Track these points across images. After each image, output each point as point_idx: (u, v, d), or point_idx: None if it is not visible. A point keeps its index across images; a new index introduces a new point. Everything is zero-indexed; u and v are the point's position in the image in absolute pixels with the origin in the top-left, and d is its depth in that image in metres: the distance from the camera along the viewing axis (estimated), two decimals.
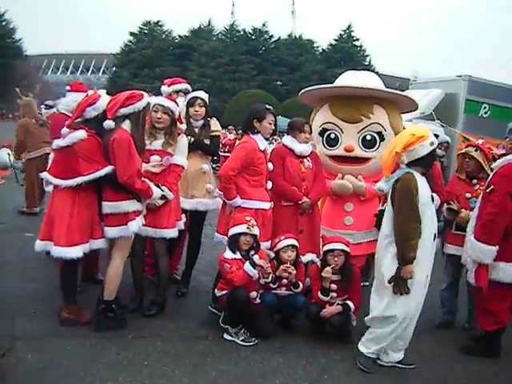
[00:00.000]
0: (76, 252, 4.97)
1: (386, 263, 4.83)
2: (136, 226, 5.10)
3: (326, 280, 5.45)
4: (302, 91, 6.38)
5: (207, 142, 6.32)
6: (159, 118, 5.56)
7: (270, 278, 5.39)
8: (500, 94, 12.30)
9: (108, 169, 4.98)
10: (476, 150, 6.03)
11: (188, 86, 6.92)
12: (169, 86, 6.85)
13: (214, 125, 6.51)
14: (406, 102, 6.16)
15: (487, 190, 5.27)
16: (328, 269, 5.43)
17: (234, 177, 5.56)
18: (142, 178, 5.10)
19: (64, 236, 4.97)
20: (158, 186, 5.38)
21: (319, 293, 5.49)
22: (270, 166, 5.82)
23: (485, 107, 12.18)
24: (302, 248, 5.83)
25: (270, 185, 5.82)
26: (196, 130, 6.29)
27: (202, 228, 6.63)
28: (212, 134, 6.40)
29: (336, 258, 5.46)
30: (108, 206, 5.09)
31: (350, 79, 6.21)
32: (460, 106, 11.98)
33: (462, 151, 6.17)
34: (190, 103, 6.28)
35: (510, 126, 5.50)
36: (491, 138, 8.30)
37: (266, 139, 5.85)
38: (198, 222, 6.50)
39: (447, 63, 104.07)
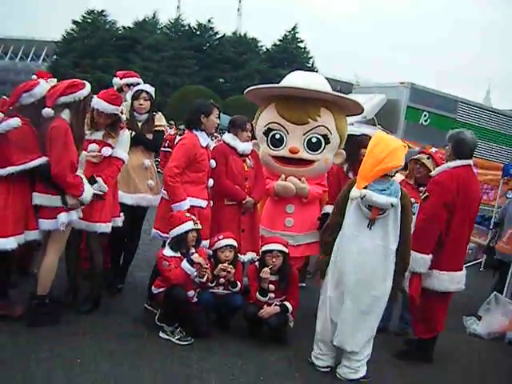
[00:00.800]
0: (10, 243, 4.78)
1: (391, 277, 4.83)
2: (65, 218, 4.88)
3: (265, 280, 5.43)
4: (249, 89, 6.32)
5: (150, 136, 6.21)
6: (102, 122, 5.47)
7: (206, 278, 5.31)
8: (440, 103, 12.61)
9: (41, 160, 4.81)
10: (428, 158, 6.15)
11: (140, 81, 6.74)
12: (121, 78, 6.70)
13: (159, 119, 6.41)
14: (352, 105, 6.18)
15: (422, 197, 5.37)
16: (266, 269, 5.41)
17: (179, 175, 5.47)
18: (78, 173, 4.95)
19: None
20: (93, 178, 5.23)
21: (257, 293, 5.47)
22: (213, 162, 5.77)
23: (425, 115, 12.46)
24: (244, 247, 5.83)
25: (211, 182, 5.77)
26: (139, 124, 6.17)
27: (141, 224, 6.53)
28: (156, 128, 6.29)
29: (274, 259, 5.45)
30: (37, 197, 4.90)
31: (298, 80, 6.19)
32: (401, 112, 12.20)
33: (415, 157, 6.25)
34: (135, 96, 6.17)
35: (449, 134, 5.58)
36: (430, 145, 8.44)
37: (209, 135, 5.80)
38: (138, 218, 6.38)
39: (388, 69, 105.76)
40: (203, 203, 5.67)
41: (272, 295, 5.48)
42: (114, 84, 6.54)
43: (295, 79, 6.28)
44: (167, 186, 5.52)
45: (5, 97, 7.56)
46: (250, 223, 6.08)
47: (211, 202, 5.86)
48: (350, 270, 4.78)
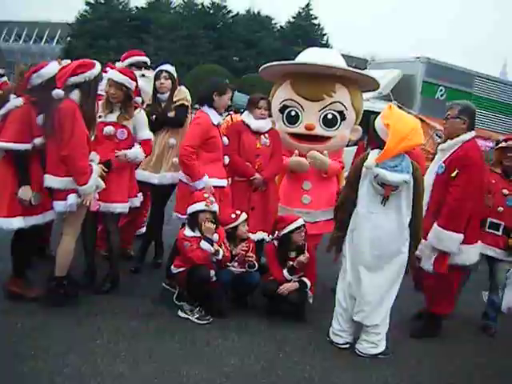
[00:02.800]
0: (18, 222, 4.81)
1: (407, 251, 4.85)
2: (74, 200, 4.83)
3: (299, 263, 5.47)
4: (264, 66, 6.27)
5: (172, 114, 6.22)
6: (113, 94, 5.42)
7: (222, 255, 5.29)
8: (456, 78, 12.46)
9: (26, 146, 4.80)
10: None
11: (143, 59, 6.70)
12: (123, 60, 6.62)
13: (179, 93, 6.39)
14: (367, 81, 6.11)
15: (452, 175, 5.16)
16: (306, 255, 5.49)
17: (194, 154, 5.47)
18: (90, 163, 4.92)
19: (6, 206, 4.80)
20: (109, 162, 5.26)
21: (285, 271, 5.50)
22: (225, 140, 5.75)
23: (441, 90, 12.33)
24: (253, 226, 5.80)
25: (227, 160, 5.75)
26: (162, 105, 6.25)
27: (165, 203, 6.55)
28: (176, 104, 6.29)
29: (302, 234, 5.50)
30: (47, 179, 4.88)
31: (312, 57, 6.11)
32: (417, 87, 12.08)
33: (503, 145, 5.99)
34: (156, 77, 6.23)
35: (463, 107, 5.43)
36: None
37: (220, 114, 5.78)
38: (162, 197, 6.43)
39: (404, 45, 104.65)
40: (224, 182, 5.68)
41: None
42: None
43: (310, 56, 6.21)
44: (184, 166, 5.53)
45: (4, 79, 7.56)
46: (261, 201, 6.04)
47: (229, 179, 5.87)
48: (366, 246, 4.78)
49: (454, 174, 5.14)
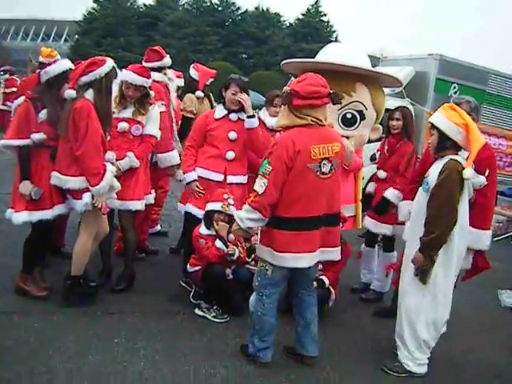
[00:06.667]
0: (22, 217, 4.87)
1: None
2: (89, 199, 4.78)
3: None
4: (285, 61, 6.20)
5: None
6: (131, 95, 5.43)
7: (237, 256, 5.27)
8: (469, 75, 12.33)
9: (24, 141, 4.85)
10: None
11: (168, 62, 6.66)
12: (145, 61, 6.47)
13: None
14: (390, 80, 6.02)
15: (485, 175, 5.00)
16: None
17: (190, 148, 5.61)
18: (105, 163, 4.89)
19: (14, 201, 4.92)
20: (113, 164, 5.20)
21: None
22: (233, 134, 5.59)
23: (454, 87, 12.19)
24: None
25: (230, 155, 5.58)
26: None
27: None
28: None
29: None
30: (55, 178, 4.87)
31: (336, 54, 6.03)
32: (430, 84, 11.97)
33: None
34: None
35: (473, 105, 5.42)
36: None
37: (234, 111, 5.61)
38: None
39: (413, 41, 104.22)
40: (220, 177, 5.58)
41: None
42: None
43: (332, 53, 6.12)
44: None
45: (10, 75, 7.72)
46: None
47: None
48: (460, 258, 4.66)
49: (487, 174, 5.03)
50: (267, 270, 4.22)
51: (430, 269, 4.41)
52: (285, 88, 4.35)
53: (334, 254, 4.35)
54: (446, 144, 4.47)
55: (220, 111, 5.62)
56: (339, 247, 4.38)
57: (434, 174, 4.46)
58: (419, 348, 4.57)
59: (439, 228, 4.31)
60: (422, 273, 4.43)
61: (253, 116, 5.53)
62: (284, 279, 4.38)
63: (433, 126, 4.55)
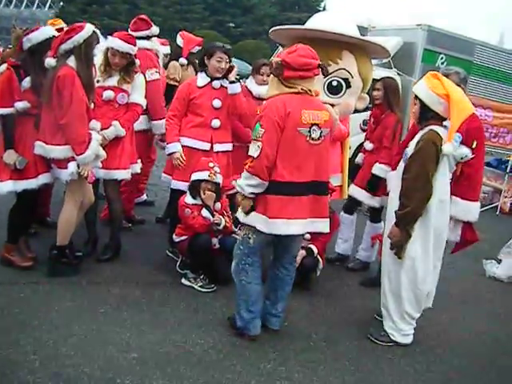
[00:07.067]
0: (7, 186, 4.83)
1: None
2: (75, 168, 4.73)
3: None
4: (272, 29, 6.12)
5: None
6: (117, 63, 5.35)
7: (223, 226, 5.27)
8: (457, 45, 12.32)
9: (7, 110, 4.79)
10: None
11: (155, 31, 6.57)
12: (132, 30, 6.31)
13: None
14: (377, 49, 5.97)
15: (472, 146, 4.97)
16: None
17: (174, 117, 5.54)
18: (90, 131, 4.82)
19: (0, 170, 4.86)
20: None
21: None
22: (217, 102, 5.54)
23: (442, 57, 12.16)
24: None
25: (216, 123, 5.55)
26: None
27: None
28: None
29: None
30: (39, 147, 4.81)
31: (323, 23, 5.96)
32: (418, 55, 11.93)
33: None
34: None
35: (463, 76, 5.41)
36: None
37: (217, 78, 5.55)
38: None
39: (402, 12, 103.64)
40: (206, 146, 5.55)
41: None
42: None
43: (320, 22, 6.05)
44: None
45: None
46: None
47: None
48: (445, 231, 4.63)
49: (474, 146, 4.99)
50: (249, 238, 4.19)
51: (406, 243, 4.39)
52: (274, 59, 4.29)
53: (324, 224, 4.31)
54: (427, 115, 4.42)
55: (203, 79, 5.55)
56: (328, 219, 4.34)
57: (412, 145, 4.44)
58: (403, 319, 4.60)
59: (413, 201, 4.28)
60: (398, 247, 4.41)
61: (234, 81, 5.51)
62: (265, 245, 4.36)
63: (416, 96, 4.51)
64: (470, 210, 5.16)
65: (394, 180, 4.74)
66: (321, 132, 4.11)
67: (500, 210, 11.54)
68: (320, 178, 4.18)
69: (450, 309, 5.63)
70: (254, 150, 3.99)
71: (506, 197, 11.66)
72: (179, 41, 7.13)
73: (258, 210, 4.09)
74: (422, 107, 4.44)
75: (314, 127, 4.07)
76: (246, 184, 4.04)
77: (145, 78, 5.88)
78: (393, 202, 4.57)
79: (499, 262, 7.07)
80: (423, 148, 4.27)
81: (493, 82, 13.09)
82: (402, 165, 4.55)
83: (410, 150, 4.42)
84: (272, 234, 4.08)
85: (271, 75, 4.22)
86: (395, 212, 4.39)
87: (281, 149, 3.99)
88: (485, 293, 6.38)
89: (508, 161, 11.99)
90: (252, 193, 4.05)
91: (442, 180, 4.41)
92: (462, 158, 4.65)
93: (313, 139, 4.07)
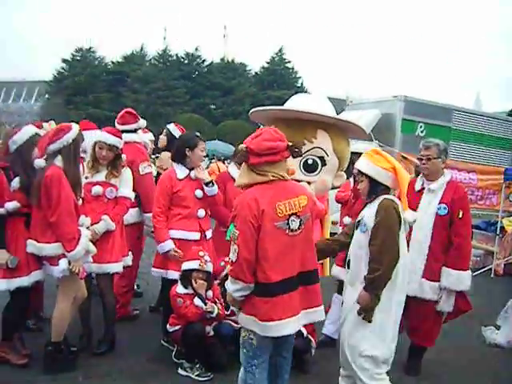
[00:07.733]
0: (1, 285, 4.88)
1: None
2: (66, 265, 4.78)
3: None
4: (251, 111, 6.26)
5: None
6: (105, 156, 5.47)
7: (217, 314, 5.26)
8: (435, 113, 12.63)
9: None
10: None
11: (143, 124, 6.78)
12: (119, 123, 6.58)
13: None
14: (352, 127, 6.07)
15: (459, 216, 5.26)
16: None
17: (161, 214, 5.57)
18: (80, 228, 4.90)
19: None
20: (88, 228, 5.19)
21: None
22: (199, 192, 5.65)
23: (421, 126, 12.45)
24: None
25: (201, 213, 5.67)
26: None
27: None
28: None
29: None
30: (31, 245, 4.88)
31: (298, 103, 6.13)
32: (397, 125, 12.20)
33: None
34: None
35: (442, 147, 5.51)
36: None
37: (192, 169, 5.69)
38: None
39: (379, 83, 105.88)
40: (196, 235, 5.64)
41: None
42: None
43: (297, 102, 6.22)
44: (153, 227, 5.65)
45: None
46: None
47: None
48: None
49: (461, 216, 5.24)
50: (252, 339, 3.96)
51: (375, 307, 4.31)
52: (240, 145, 4.10)
53: (319, 313, 4.11)
54: (377, 189, 4.46)
55: (182, 171, 5.65)
56: (322, 305, 4.15)
57: (369, 215, 4.40)
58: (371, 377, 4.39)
59: (383, 264, 4.24)
60: (367, 311, 4.31)
61: (210, 183, 5.66)
62: (270, 343, 4.06)
63: (360, 173, 4.55)
64: (463, 280, 5.26)
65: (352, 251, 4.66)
66: (300, 221, 3.93)
67: (494, 273, 11.51)
68: (307, 267, 3.99)
69: (452, 380, 5.55)
70: (231, 253, 3.83)
71: (498, 259, 11.66)
72: (172, 128, 7.10)
73: (248, 312, 3.92)
74: (371, 182, 4.49)
75: (293, 217, 3.88)
76: (232, 289, 3.89)
77: (138, 172, 6.07)
78: (353, 273, 4.53)
79: (498, 328, 7.02)
80: (386, 215, 4.28)
81: (473, 146, 13.38)
82: (359, 235, 4.49)
83: (368, 220, 4.39)
84: (267, 336, 3.90)
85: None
86: (364, 277, 4.33)
87: (261, 247, 3.80)
88: (485, 360, 6.25)
89: (497, 222, 12.06)
90: (241, 296, 3.89)
91: (402, 243, 4.42)
92: (410, 223, 4.62)
93: (292, 231, 3.89)
